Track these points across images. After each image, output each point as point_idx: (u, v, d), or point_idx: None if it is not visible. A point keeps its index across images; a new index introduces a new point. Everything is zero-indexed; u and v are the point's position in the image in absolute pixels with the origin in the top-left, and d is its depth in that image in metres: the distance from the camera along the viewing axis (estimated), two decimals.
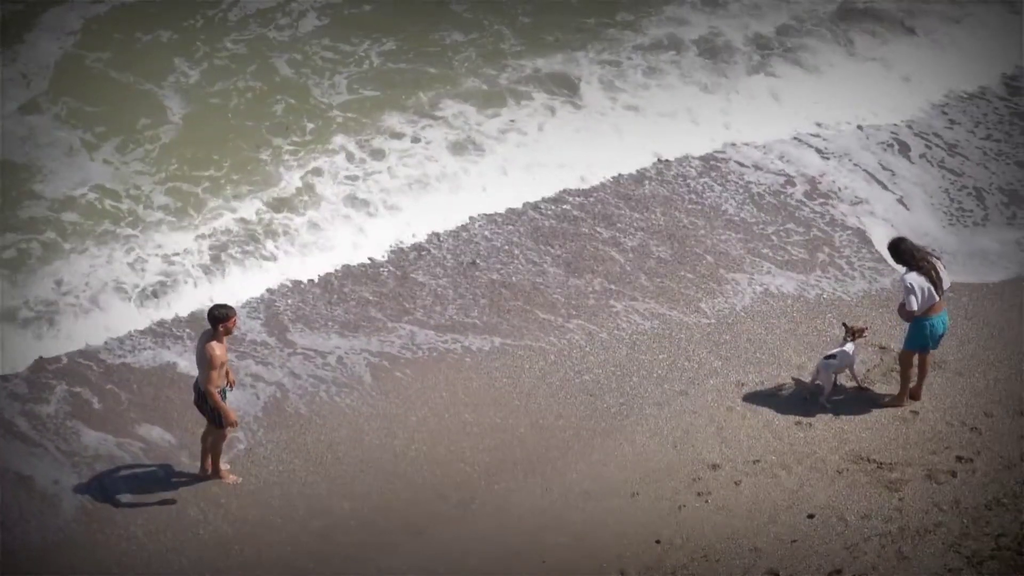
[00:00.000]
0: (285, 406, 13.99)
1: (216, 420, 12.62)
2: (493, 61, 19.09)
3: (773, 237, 16.39)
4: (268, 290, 15.44)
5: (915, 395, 13.72)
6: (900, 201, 17.08)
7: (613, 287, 15.63)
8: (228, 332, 12.43)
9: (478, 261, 15.91)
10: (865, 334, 13.76)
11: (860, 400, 13.78)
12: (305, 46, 19.32)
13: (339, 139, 17.56)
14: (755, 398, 13.90)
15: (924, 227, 16.52)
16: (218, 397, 12.45)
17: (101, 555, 12.40)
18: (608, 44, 19.46)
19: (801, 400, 13.84)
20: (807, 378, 14.01)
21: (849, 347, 13.67)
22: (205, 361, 12.37)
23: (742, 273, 15.80)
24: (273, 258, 15.76)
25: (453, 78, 18.75)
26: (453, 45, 19.42)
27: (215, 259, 15.64)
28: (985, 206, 16.95)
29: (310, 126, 17.84)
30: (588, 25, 19.89)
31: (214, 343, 12.35)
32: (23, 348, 14.32)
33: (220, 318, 12.34)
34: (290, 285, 15.49)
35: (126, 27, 19.36)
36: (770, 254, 16.11)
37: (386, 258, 15.94)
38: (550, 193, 16.94)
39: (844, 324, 13.90)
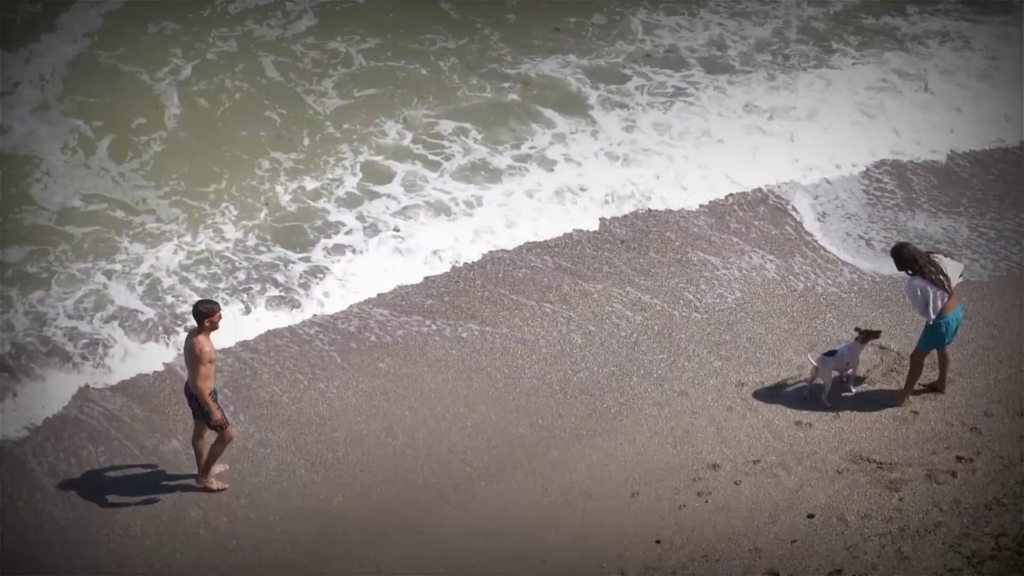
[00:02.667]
0: (258, 389, 14.16)
1: (209, 419, 12.61)
2: (480, 68, 19.17)
3: (736, 209, 16.55)
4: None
5: (940, 388, 13.78)
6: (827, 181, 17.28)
7: (570, 266, 15.75)
8: (214, 327, 12.48)
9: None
10: (878, 336, 13.77)
11: (860, 400, 13.78)
12: (292, 46, 19.38)
13: (336, 154, 17.54)
14: (755, 398, 13.90)
15: (844, 201, 16.72)
16: (207, 395, 12.46)
17: (101, 555, 12.41)
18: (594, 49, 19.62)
19: (801, 400, 13.84)
20: (805, 377, 14.03)
21: (853, 346, 13.68)
22: (193, 357, 12.40)
23: (716, 256, 15.93)
24: (275, 285, 15.56)
25: (438, 89, 18.80)
26: (440, 51, 19.46)
27: (213, 278, 15.56)
28: (911, 188, 17.05)
29: (306, 141, 17.79)
30: (568, 25, 20.07)
31: (201, 338, 12.39)
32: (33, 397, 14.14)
33: (205, 313, 12.40)
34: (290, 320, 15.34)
35: (138, 24, 19.44)
36: (742, 230, 16.40)
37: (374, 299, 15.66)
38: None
39: (857, 328, 13.88)
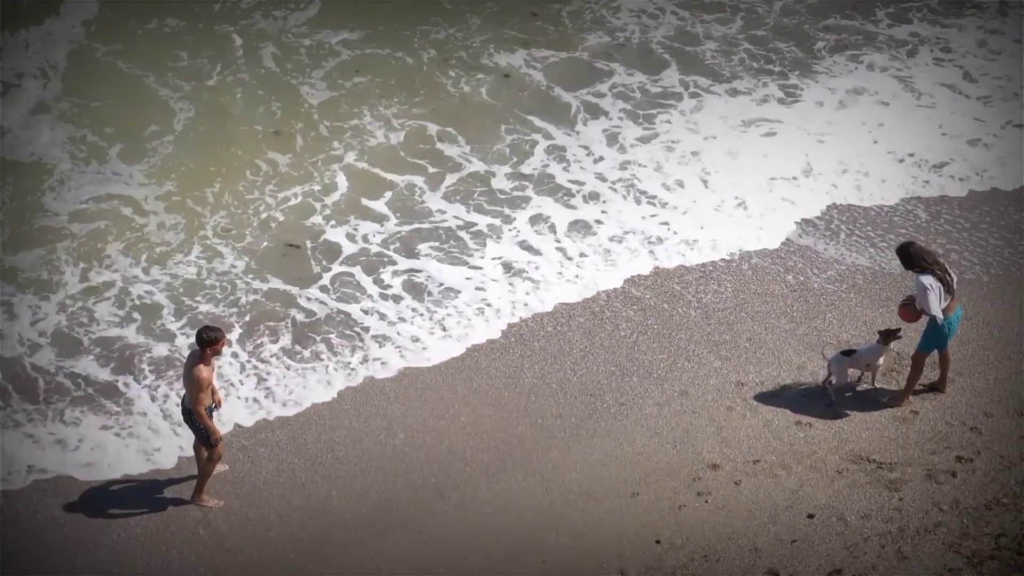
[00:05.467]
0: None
1: (204, 439, 12.60)
2: (459, 61, 18.98)
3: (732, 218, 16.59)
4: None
5: (940, 388, 13.79)
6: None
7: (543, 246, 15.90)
8: (216, 353, 12.43)
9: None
10: (899, 335, 13.75)
11: (860, 400, 13.78)
12: (285, 37, 19.23)
13: (328, 160, 17.30)
14: (755, 398, 13.90)
15: (839, 207, 16.69)
16: (205, 415, 12.45)
17: (101, 555, 12.41)
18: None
19: (801, 400, 13.84)
20: (807, 378, 14.04)
21: (875, 347, 13.67)
22: (192, 382, 12.36)
23: (715, 256, 15.93)
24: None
25: (420, 86, 18.54)
26: (423, 44, 19.22)
27: (213, 300, 15.23)
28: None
29: (298, 143, 17.50)
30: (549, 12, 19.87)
31: (201, 366, 12.32)
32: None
33: (208, 341, 12.30)
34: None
35: (136, 17, 19.32)
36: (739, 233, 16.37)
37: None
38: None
39: (879, 331, 13.84)
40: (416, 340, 14.75)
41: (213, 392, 12.62)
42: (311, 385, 14.20)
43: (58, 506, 12.86)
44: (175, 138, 17.54)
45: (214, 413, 12.67)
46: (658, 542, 12.30)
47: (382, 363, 14.46)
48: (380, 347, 14.65)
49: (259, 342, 14.67)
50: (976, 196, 16.94)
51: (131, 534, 12.59)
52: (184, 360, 13.08)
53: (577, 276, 15.63)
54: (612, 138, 17.73)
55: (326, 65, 18.82)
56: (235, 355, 14.48)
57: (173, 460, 13.35)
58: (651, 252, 15.98)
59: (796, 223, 16.44)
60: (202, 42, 19.09)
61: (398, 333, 14.82)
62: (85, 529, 12.64)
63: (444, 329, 14.90)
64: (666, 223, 16.36)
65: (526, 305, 15.23)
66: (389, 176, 17.09)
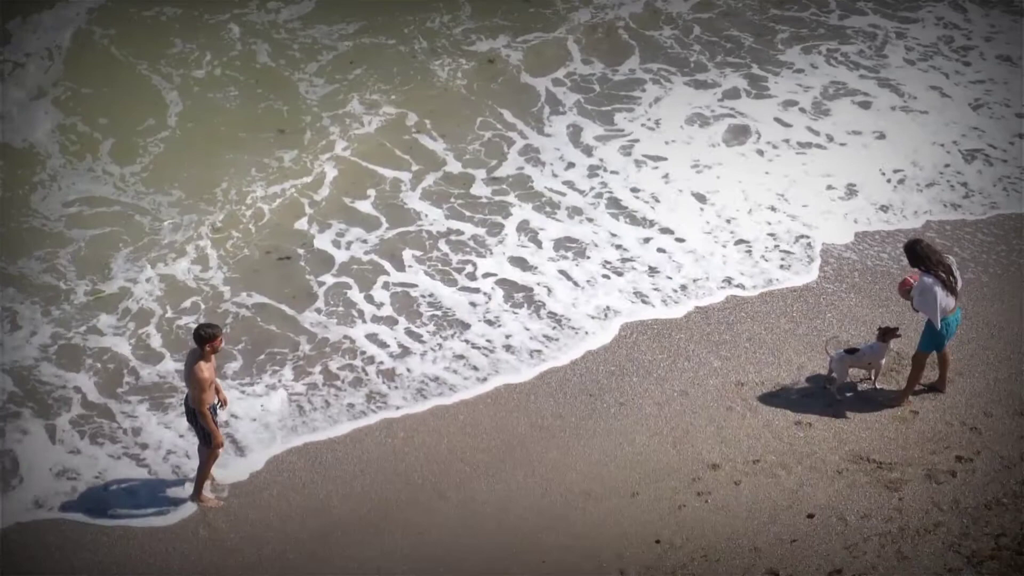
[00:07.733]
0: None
1: (205, 439, 12.59)
2: (442, 48, 18.94)
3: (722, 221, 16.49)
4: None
5: (940, 388, 13.79)
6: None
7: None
8: (215, 351, 12.38)
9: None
10: (898, 334, 13.75)
11: (860, 400, 13.79)
12: (272, 30, 19.22)
13: (313, 155, 17.25)
14: (755, 398, 13.91)
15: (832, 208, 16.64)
16: (209, 417, 12.42)
17: (102, 555, 12.42)
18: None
19: (801, 400, 13.85)
20: (807, 378, 14.05)
21: (877, 346, 13.68)
22: (193, 381, 12.33)
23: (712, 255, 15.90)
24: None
25: (405, 76, 18.49)
26: (411, 33, 19.16)
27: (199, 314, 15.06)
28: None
29: (274, 147, 17.37)
30: None
31: (201, 364, 12.28)
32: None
33: (206, 338, 12.26)
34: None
35: (136, 4, 19.36)
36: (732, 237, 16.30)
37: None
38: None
39: (879, 328, 13.85)
40: (436, 379, 14.30)
41: (217, 390, 12.61)
42: (320, 426, 13.82)
43: (58, 506, 12.86)
44: (168, 135, 17.51)
45: (219, 411, 12.67)
46: (658, 542, 12.31)
47: (397, 407, 14.01)
48: (395, 388, 14.20)
49: (260, 374, 14.35)
50: (976, 198, 16.94)
51: (131, 534, 12.59)
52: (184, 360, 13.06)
53: (602, 313, 15.14)
54: (601, 136, 17.77)
55: (321, 59, 18.84)
56: (243, 386, 14.24)
57: (172, 461, 13.36)
58: (655, 290, 15.47)
59: (799, 228, 16.37)
60: (197, 32, 19.07)
61: (408, 369, 14.43)
62: (85, 529, 12.64)
63: (477, 369, 14.42)
64: (664, 250, 16.01)
65: (557, 354, 14.62)
66: (374, 168, 17.07)
